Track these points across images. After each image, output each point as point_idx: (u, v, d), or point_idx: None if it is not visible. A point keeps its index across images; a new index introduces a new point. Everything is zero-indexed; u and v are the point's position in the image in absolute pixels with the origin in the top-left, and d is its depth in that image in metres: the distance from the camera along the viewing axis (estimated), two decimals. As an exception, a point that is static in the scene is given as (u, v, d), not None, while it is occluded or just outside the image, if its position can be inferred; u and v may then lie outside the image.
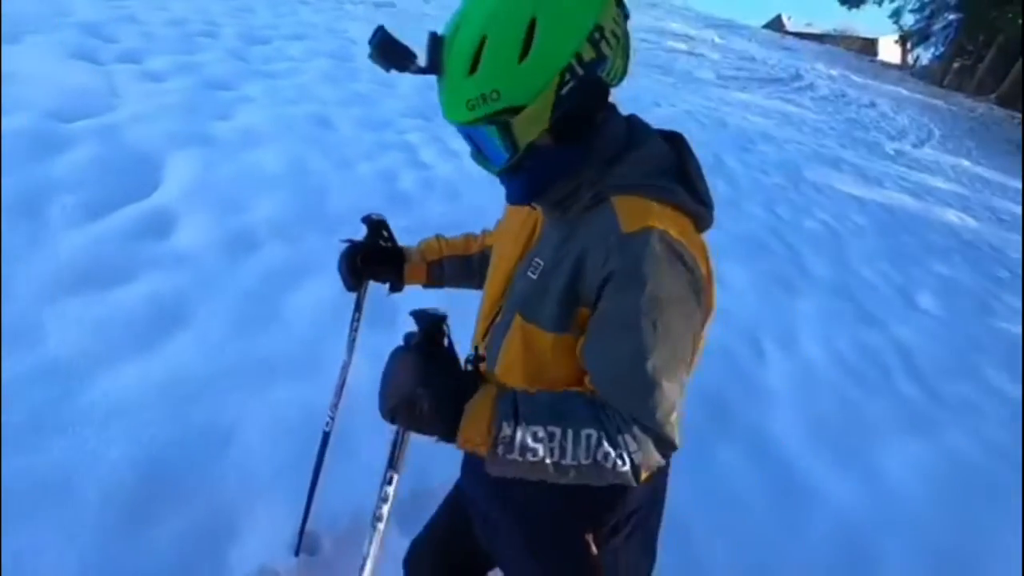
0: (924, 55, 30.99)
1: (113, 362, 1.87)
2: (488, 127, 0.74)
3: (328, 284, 2.61)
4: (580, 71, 0.72)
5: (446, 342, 0.72)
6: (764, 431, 2.56)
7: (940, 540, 2.23)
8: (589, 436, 0.71)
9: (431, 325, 0.71)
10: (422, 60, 0.76)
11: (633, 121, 0.85)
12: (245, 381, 1.94)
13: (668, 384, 0.73)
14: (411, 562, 1.23)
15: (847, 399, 2.94)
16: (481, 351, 0.95)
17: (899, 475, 2.53)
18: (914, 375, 3.32)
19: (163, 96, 3.40)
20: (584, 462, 0.71)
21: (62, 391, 1.73)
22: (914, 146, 10.93)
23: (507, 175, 0.80)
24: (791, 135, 8.28)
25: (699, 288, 0.75)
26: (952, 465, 2.69)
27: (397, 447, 0.84)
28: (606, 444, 0.72)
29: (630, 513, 0.93)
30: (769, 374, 2.95)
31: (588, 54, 0.72)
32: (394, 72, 0.77)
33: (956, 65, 27.49)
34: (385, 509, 0.87)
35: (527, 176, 0.79)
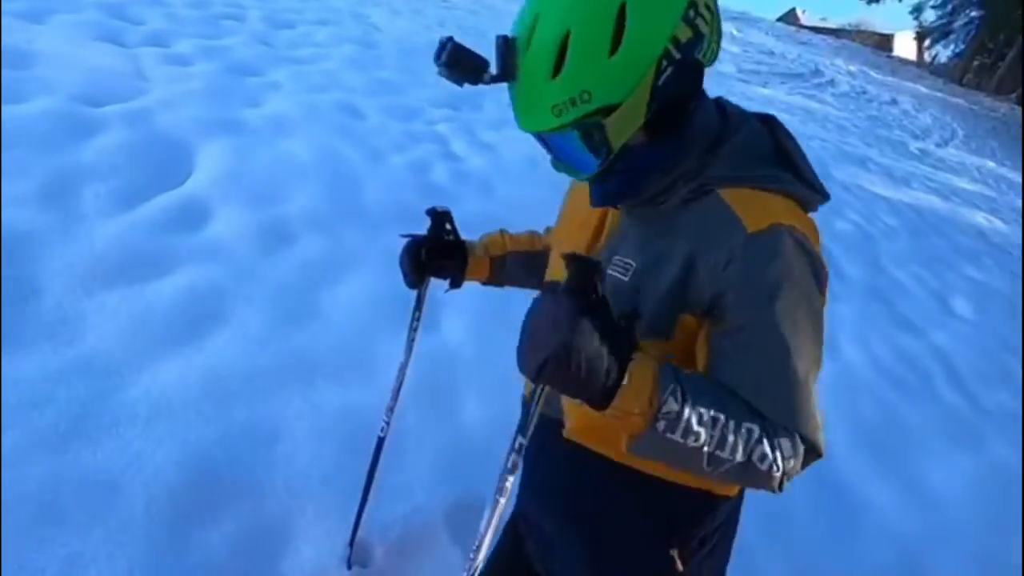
0: (943, 52, 30.50)
1: (153, 358, 1.81)
2: (576, 132, 0.68)
3: (366, 279, 2.55)
4: (677, 55, 0.65)
5: (600, 293, 0.61)
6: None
7: (988, 552, 2.19)
8: (751, 431, 0.64)
9: (586, 271, 0.59)
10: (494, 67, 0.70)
11: (723, 104, 0.79)
12: (287, 379, 1.88)
13: (813, 389, 0.68)
14: None
15: (888, 406, 2.87)
16: None
17: (944, 485, 2.48)
18: (954, 382, 3.25)
19: (190, 81, 3.32)
20: (739, 459, 0.64)
21: (104, 389, 1.67)
22: (938, 145, 10.75)
23: (597, 179, 0.73)
24: (815, 132, 8.13)
25: (824, 282, 0.70)
26: (996, 475, 2.63)
27: (533, 410, 0.71)
28: (765, 443, 0.65)
29: (717, 526, 0.87)
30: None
31: (684, 35, 0.65)
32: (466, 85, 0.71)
33: (975, 63, 27.04)
34: (510, 481, 0.75)
35: (621, 178, 0.73)
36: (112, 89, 2.99)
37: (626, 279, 0.75)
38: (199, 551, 1.40)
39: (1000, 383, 3.36)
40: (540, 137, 0.72)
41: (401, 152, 3.36)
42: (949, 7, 26.88)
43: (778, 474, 0.66)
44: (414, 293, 1.20)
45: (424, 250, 1.08)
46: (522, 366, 0.61)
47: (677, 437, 0.61)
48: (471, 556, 0.80)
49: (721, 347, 0.69)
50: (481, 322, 2.35)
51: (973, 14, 26.20)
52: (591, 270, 0.59)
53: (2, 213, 2.03)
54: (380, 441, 1.38)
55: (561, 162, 0.74)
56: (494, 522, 0.78)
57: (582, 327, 0.57)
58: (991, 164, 10.85)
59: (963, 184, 8.41)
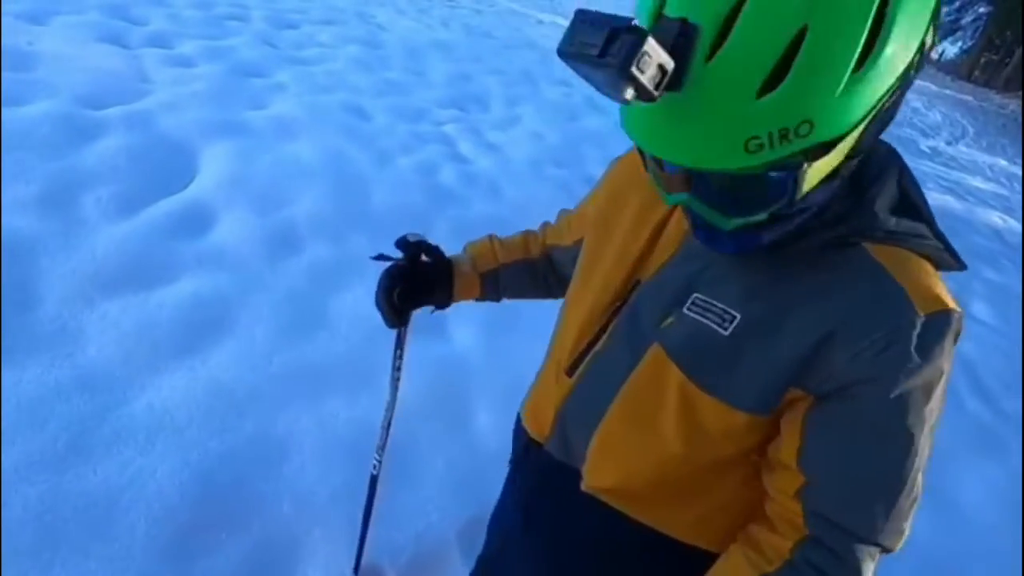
0: (950, 49, 30.24)
1: (156, 371, 1.75)
2: (758, 179, 0.49)
3: (372, 287, 2.47)
4: (913, 73, 0.48)
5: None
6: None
7: (1018, 564, 2.11)
8: None
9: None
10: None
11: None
12: (294, 392, 1.82)
13: (920, 494, 0.59)
14: None
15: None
16: (564, 385, 0.72)
17: (971, 496, 2.40)
18: (977, 389, 3.16)
19: (194, 82, 3.26)
20: None
21: (105, 404, 1.61)
22: (948, 143, 10.62)
23: (732, 235, 0.55)
24: (825, 130, 8.02)
25: None
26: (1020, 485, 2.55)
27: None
28: None
29: None
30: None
31: (929, 41, 0.48)
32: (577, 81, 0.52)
33: (983, 60, 26.79)
34: None
35: (775, 230, 0.55)
36: (114, 91, 2.93)
37: (724, 333, 0.59)
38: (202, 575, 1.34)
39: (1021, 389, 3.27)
40: (674, 169, 0.52)
41: (408, 153, 3.29)
42: (957, 3, 26.63)
43: None
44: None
45: (399, 292, 0.90)
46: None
47: None
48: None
49: (834, 434, 0.57)
50: (491, 328, 2.29)
51: (981, 10, 25.98)
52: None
53: (1, 219, 1.97)
54: (373, 480, 1.24)
55: (694, 202, 0.54)
56: None
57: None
58: (1003, 162, 10.70)
59: (976, 183, 8.29)
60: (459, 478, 1.73)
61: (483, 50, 5.79)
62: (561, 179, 3.59)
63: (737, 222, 0.53)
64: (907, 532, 0.59)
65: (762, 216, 0.52)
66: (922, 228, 0.59)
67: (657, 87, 0.42)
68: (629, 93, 0.41)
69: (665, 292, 0.65)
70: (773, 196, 0.50)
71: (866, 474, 0.57)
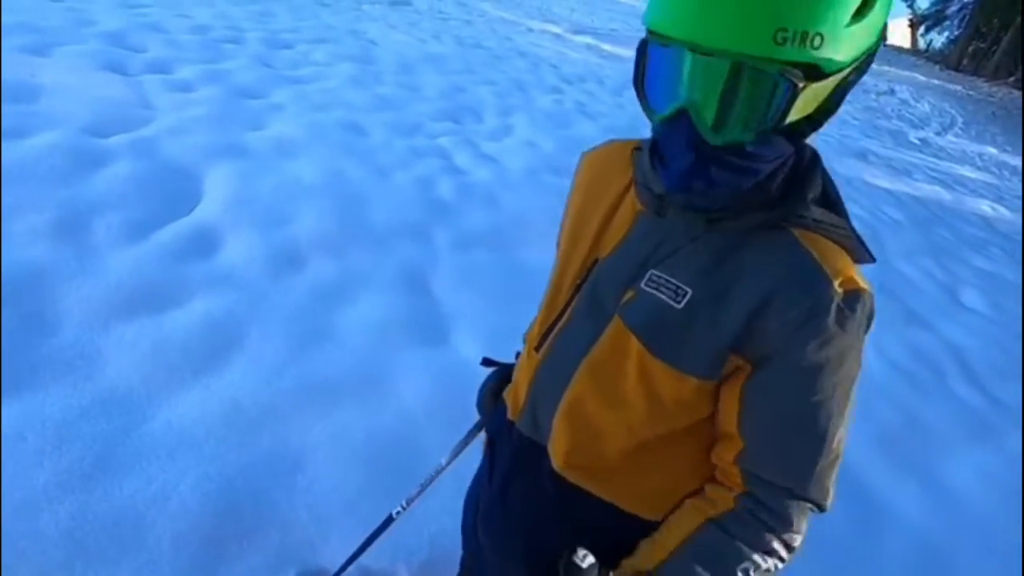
0: (937, 38, 30.45)
1: (173, 390, 1.82)
2: (767, 80, 0.54)
3: (378, 299, 2.57)
4: (869, 59, 0.59)
5: None
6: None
7: (1013, 549, 2.17)
8: (746, 570, 0.68)
9: None
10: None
11: None
12: (307, 405, 1.89)
13: (841, 456, 0.68)
14: None
15: (904, 404, 2.86)
16: (533, 361, 0.79)
17: (965, 482, 2.47)
18: (969, 377, 3.23)
19: (195, 107, 3.35)
20: None
21: (126, 423, 1.68)
22: (938, 134, 10.73)
23: (711, 163, 0.60)
24: (815, 126, 8.11)
25: None
26: (1016, 472, 2.61)
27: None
28: (761, 562, 0.68)
29: None
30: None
31: (880, 40, 0.60)
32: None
33: (971, 48, 26.97)
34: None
35: (732, 169, 0.60)
36: (118, 119, 3.02)
37: (678, 307, 0.66)
38: (228, 585, 1.40)
39: (1015, 376, 3.34)
40: (700, 63, 0.56)
41: (406, 168, 3.38)
42: (942, -7, 26.91)
43: (786, 558, 0.69)
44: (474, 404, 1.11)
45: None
46: None
47: None
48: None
49: (764, 401, 0.66)
50: (493, 337, 2.36)
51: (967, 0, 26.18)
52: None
53: (2, 247, 2.05)
54: (389, 518, 1.23)
55: (693, 108, 0.58)
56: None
57: None
58: (992, 150, 10.81)
59: (966, 172, 8.39)
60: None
61: (475, 61, 5.90)
62: (557, 187, 3.67)
63: (725, 138, 0.58)
64: (832, 490, 0.68)
65: (749, 136, 0.57)
66: (842, 222, 0.66)
67: None
68: None
69: (622, 269, 0.71)
70: (770, 108, 0.55)
71: (790, 435, 0.66)
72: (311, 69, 4.42)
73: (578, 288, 0.75)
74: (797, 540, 0.69)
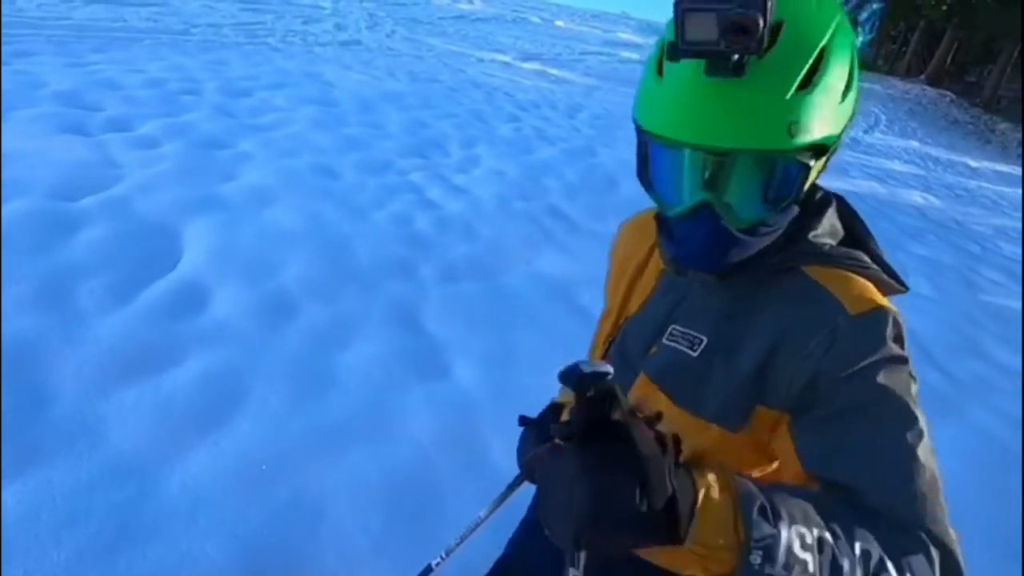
0: (853, 43, 32.67)
1: (182, 451, 1.81)
2: (783, 165, 0.59)
3: (372, 338, 2.60)
4: (838, 146, 0.63)
5: (617, 412, 0.45)
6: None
7: (988, 516, 2.34)
8: (867, 553, 0.50)
9: (596, 395, 0.44)
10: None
11: None
12: (318, 451, 1.91)
13: (938, 474, 0.58)
14: None
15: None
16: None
17: (939, 460, 2.65)
18: (925, 357, 3.48)
19: (162, 162, 3.33)
20: None
21: (139, 490, 1.67)
22: (865, 132, 11.50)
23: (727, 239, 0.62)
24: (756, 134, 8.59)
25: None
26: (981, 442, 2.82)
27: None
28: (890, 566, 0.51)
29: None
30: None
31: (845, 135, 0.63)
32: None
33: (883, 50, 29.10)
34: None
35: (753, 243, 0.63)
36: (85, 181, 2.97)
37: (694, 355, 0.68)
38: (268, 640, 1.41)
39: (968, 353, 3.61)
40: (726, 158, 0.59)
41: (381, 207, 3.44)
42: (854, 2, 29.01)
43: None
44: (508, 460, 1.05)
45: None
46: (560, 545, 0.47)
47: (779, 569, 0.47)
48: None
49: (824, 437, 0.60)
50: (490, 365, 2.43)
51: (875, 6, 28.31)
52: (602, 390, 0.44)
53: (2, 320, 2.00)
54: (428, 569, 1.26)
55: (714, 198, 0.60)
56: None
57: (601, 487, 0.43)
58: (916, 144, 11.67)
59: (895, 167, 9.02)
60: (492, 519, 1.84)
61: (432, 95, 6.03)
62: (528, 212, 3.80)
63: (746, 221, 0.62)
64: (947, 524, 0.56)
65: (766, 215, 0.62)
66: (860, 254, 0.68)
67: (744, 58, 0.54)
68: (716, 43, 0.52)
69: (647, 325, 0.76)
70: (784, 191, 0.61)
71: (870, 452, 0.58)
72: (274, 115, 4.44)
73: (610, 345, 0.81)
74: None
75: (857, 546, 0.51)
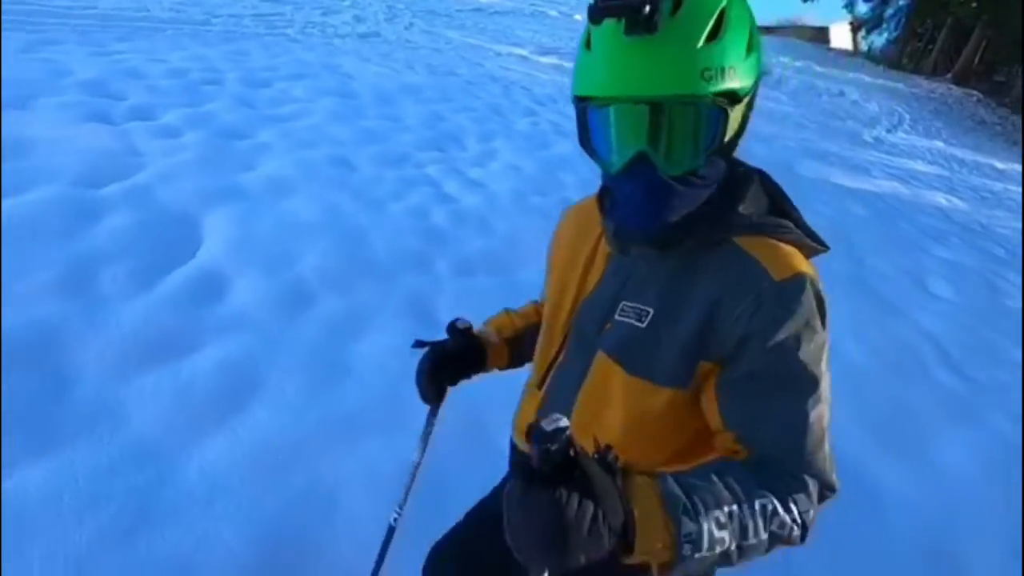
0: (877, 40, 32.03)
1: (200, 437, 1.84)
2: (704, 110, 0.67)
3: (387, 329, 2.62)
4: (753, 98, 0.71)
5: (572, 452, 0.54)
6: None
7: (1009, 526, 2.30)
8: (764, 507, 0.63)
9: (552, 445, 0.53)
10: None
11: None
12: (334, 440, 1.93)
13: (828, 430, 0.70)
14: (430, 567, 1.19)
15: (889, 392, 3.02)
16: (536, 397, 0.90)
17: (956, 463, 2.61)
18: (946, 362, 3.42)
19: (183, 151, 3.37)
20: (763, 537, 0.63)
21: (158, 474, 1.70)
22: (888, 132, 11.29)
23: (665, 190, 0.70)
24: (777, 132, 8.49)
25: (827, 323, 0.73)
26: (1003, 448, 2.78)
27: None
28: (781, 511, 0.64)
29: None
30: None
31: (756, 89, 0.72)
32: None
33: (908, 48, 28.48)
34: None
35: (689, 195, 0.71)
36: (109, 169, 3.02)
37: (643, 326, 0.75)
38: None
39: (988, 357, 3.55)
40: (645, 108, 0.66)
41: (398, 199, 3.45)
42: (878, -1, 28.44)
43: (797, 533, 0.66)
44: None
45: (449, 376, 1.05)
46: (528, 566, 0.56)
47: (704, 553, 0.59)
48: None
49: (740, 392, 0.70)
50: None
51: (901, 3, 27.70)
52: (556, 441, 0.52)
53: (13, 308, 2.05)
54: (391, 530, 1.28)
55: (650, 150, 0.68)
56: None
57: (566, 519, 0.52)
58: (940, 144, 11.42)
59: (919, 167, 8.85)
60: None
61: (450, 89, 6.03)
62: (544, 207, 3.79)
63: (683, 167, 0.69)
64: (830, 467, 0.69)
65: (699, 162, 0.69)
66: (785, 223, 0.76)
67: (653, 20, 0.63)
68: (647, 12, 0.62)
69: (599, 305, 0.82)
70: (709, 135, 0.68)
71: (772, 416, 0.69)
72: (293, 106, 4.47)
73: (569, 329, 0.86)
74: (810, 515, 0.67)
75: (757, 504, 0.63)
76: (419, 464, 1.26)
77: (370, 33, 8.37)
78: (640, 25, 0.63)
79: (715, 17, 0.66)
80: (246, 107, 4.26)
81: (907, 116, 13.57)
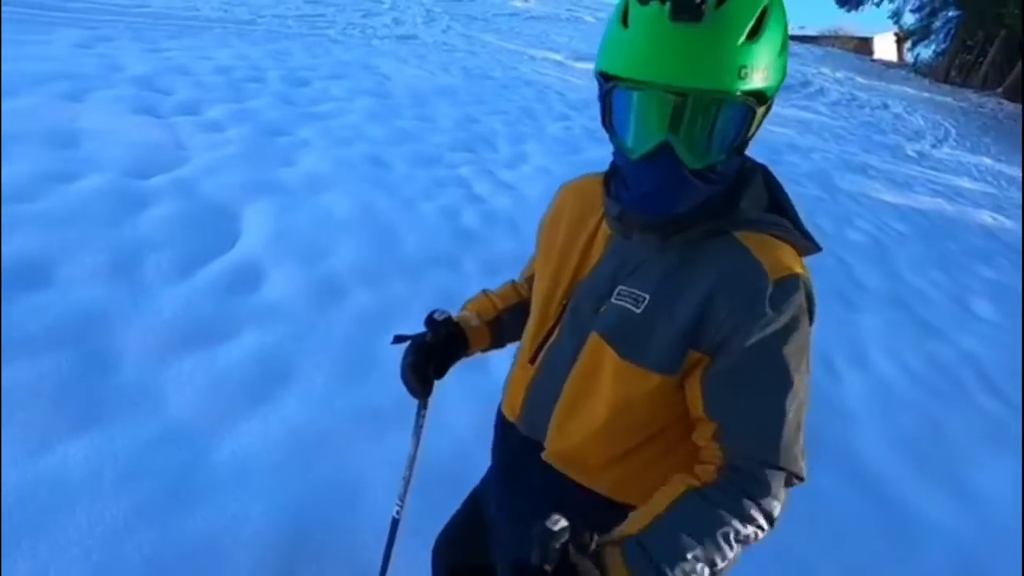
0: (924, 52, 31.06)
1: (233, 421, 1.90)
2: (735, 107, 0.67)
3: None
4: (773, 100, 0.72)
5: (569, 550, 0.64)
6: (854, 453, 2.54)
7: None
8: (727, 534, 0.69)
9: (557, 544, 0.63)
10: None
11: None
12: (360, 433, 1.96)
13: (803, 425, 0.73)
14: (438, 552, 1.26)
15: (927, 415, 2.92)
16: (528, 372, 0.90)
17: (992, 489, 2.52)
18: (987, 385, 3.29)
19: (226, 146, 3.48)
20: (731, 555, 0.69)
21: (192, 455, 1.75)
22: (933, 146, 10.93)
23: (683, 183, 0.70)
24: (814, 143, 8.31)
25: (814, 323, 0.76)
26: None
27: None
28: (743, 529, 0.70)
29: None
30: (847, 394, 2.93)
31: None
32: None
33: (957, 61, 27.51)
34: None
35: (703, 189, 0.71)
36: (156, 160, 3.14)
37: (638, 311, 0.76)
38: (305, 609, 1.46)
39: (1032, 382, 3.40)
40: (686, 98, 0.66)
41: (430, 199, 3.50)
42: (928, 9, 27.52)
43: (766, 528, 0.72)
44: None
45: (433, 369, 1.05)
46: None
47: None
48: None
49: (725, 383, 0.73)
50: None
51: (951, 14, 26.79)
52: (558, 540, 0.62)
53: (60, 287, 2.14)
54: (395, 523, 1.31)
55: (675, 140, 0.67)
56: None
57: None
58: (988, 161, 11.00)
59: (965, 184, 8.54)
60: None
61: (484, 92, 6.08)
62: (574, 212, 3.79)
63: (706, 161, 0.69)
64: (801, 457, 0.73)
65: (722, 157, 0.69)
66: (783, 221, 0.77)
67: (701, 7, 0.63)
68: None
69: (597, 287, 0.82)
70: (735, 132, 0.68)
71: (751, 410, 0.72)
72: (331, 105, 4.57)
73: (565, 308, 0.87)
74: (776, 508, 0.72)
75: (719, 535, 0.69)
76: (415, 457, 1.28)
77: (408, 35, 8.52)
78: (687, 11, 0.62)
79: (757, 15, 0.65)
80: (287, 104, 4.37)
81: (953, 131, 13.11)
